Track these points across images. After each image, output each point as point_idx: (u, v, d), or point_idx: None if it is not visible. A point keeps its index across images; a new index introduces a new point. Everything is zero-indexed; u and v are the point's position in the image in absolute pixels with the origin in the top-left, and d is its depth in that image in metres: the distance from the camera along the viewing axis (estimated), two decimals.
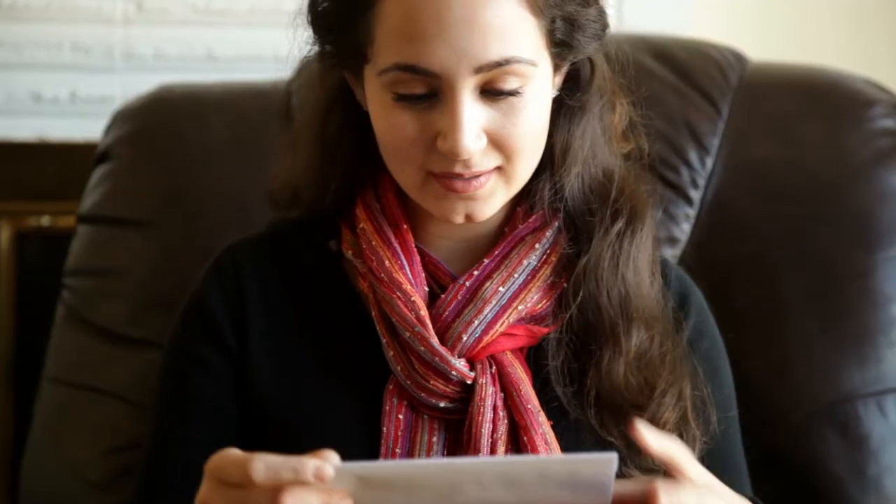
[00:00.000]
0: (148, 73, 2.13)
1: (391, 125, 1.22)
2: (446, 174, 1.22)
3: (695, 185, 1.73)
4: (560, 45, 1.24)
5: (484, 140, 1.21)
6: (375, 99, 1.24)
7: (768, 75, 1.80)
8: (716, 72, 1.77)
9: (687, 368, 1.30)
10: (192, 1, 2.18)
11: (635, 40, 1.70)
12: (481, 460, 1.13)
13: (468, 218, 1.25)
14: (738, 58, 1.81)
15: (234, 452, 1.07)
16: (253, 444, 1.28)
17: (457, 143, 1.19)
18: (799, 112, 1.74)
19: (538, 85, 1.23)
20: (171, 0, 2.18)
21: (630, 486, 1.07)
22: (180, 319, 1.36)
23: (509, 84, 1.20)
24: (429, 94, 1.20)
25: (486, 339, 1.26)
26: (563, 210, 1.30)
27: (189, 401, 1.32)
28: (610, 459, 1.02)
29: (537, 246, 1.29)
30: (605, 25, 1.27)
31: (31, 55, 2.16)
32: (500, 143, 1.22)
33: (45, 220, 2.11)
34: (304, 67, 1.81)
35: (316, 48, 1.29)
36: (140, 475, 1.35)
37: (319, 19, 1.26)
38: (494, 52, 1.18)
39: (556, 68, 1.27)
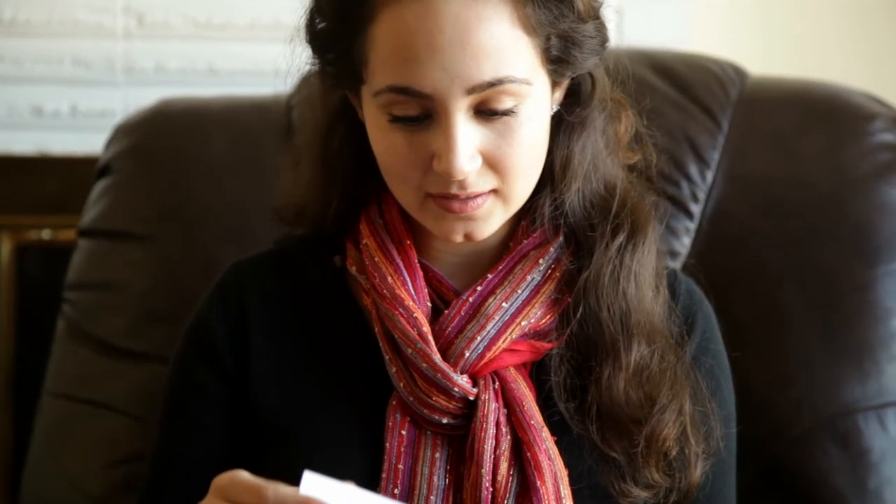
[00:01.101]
0: (149, 87, 2.13)
1: (387, 147, 1.23)
2: (443, 195, 1.22)
3: (695, 198, 1.73)
4: (557, 62, 1.23)
5: (479, 161, 1.21)
6: (372, 119, 1.24)
7: (768, 89, 1.80)
8: (716, 86, 1.77)
9: (689, 384, 1.29)
10: (192, 15, 2.18)
11: (635, 55, 1.70)
12: None
13: (467, 237, 1.25)
14: (738, 72, 1.81)
15: (247, 476, 1.08)
16: (255, 461, 1.29)
17: (451, 164, 1.19)
18: (799, 126, 1.74)
19: (534, 103, 1.22)
20: (172, 14, 2.18)
21: None
22: (183, 339, 1.37)
23: (503, 104, 1.19)
24: (423, 115, 1.20)
25: (489, 355, 1.26)
26: (565, 225, 1.30)
27: (187, 422, 1.34)
28: None
29: (541, 262, 1.29)
30: (604, 40, 1.26)
31: (32, 69, 2.17)
32: (495, 163, 1.21)
33: (46, 234, 2.12)
34: (305, 82, 1.82)
35: (316, 67, 1.29)
36: (141, 491, 1.37)
37: (317, 39, 1.26)
38: (487, 73, 1.17)
39: (555, 84, 1.26)
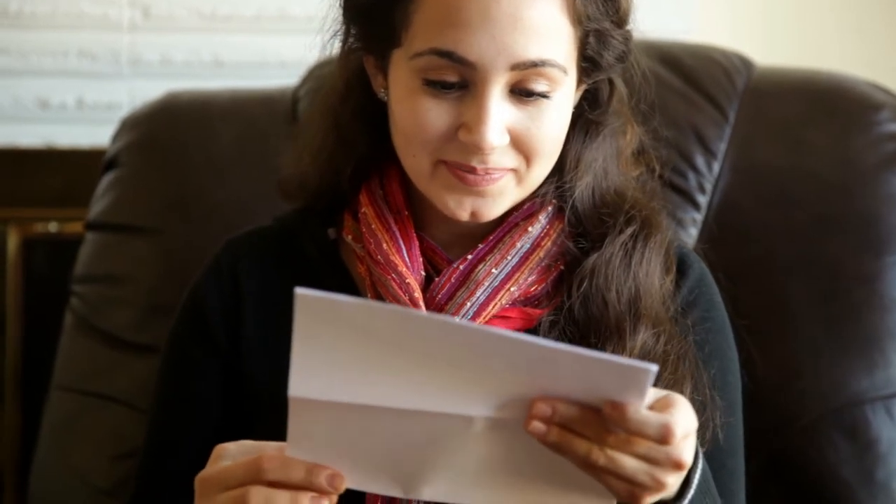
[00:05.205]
0: (154, 79, 2.14)
1: (414, 110, 1.23)
2: (460, 165, 1.23)
3: (702, 189, 1.73)
4: (588, 60, 1.26)
5: (506, 138, 1.22)
6: (401, 83, 1.24)
7: (774, 80, 1.80)
8: (722, 76, 1.77)
9: (690, 371, 1.30)
10: (198, 7, 2.18)
11: (640, 45, 1.70)
12: (517, 336, 1.01)
13: (473, 215, 1.26)
14: (745, 62, 1.80)
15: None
16: (247, 431, 1.29)
17: (482, 136, 1.20)
18: (805, 116, 1.73)
19: (564, 93, 1.24)
20: (178, 6, 2.18)
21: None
22: (177, 316, 1.39)
23: (539, 86, 1.21)
24: (458, 84, 1.21)
25: (479, 321, 1.26)
26: (571, 211, 1.31)
27: (182, 399, 1.35)
28: (649, 371, 0.99)
29: (530, 229, 1.30)
30: (629, 50, 1.29)
31: (37, 62, 2.17)
32: (521, 143, 1.23)
33: (53, 227, 2.12)
34: (311, 73, 1.82)
35: (341, 28, 1.30)
36: (138, 471, 1.39)
37: None
38: (533, 52, 1.19)
39: (579, 83, 1.28)
